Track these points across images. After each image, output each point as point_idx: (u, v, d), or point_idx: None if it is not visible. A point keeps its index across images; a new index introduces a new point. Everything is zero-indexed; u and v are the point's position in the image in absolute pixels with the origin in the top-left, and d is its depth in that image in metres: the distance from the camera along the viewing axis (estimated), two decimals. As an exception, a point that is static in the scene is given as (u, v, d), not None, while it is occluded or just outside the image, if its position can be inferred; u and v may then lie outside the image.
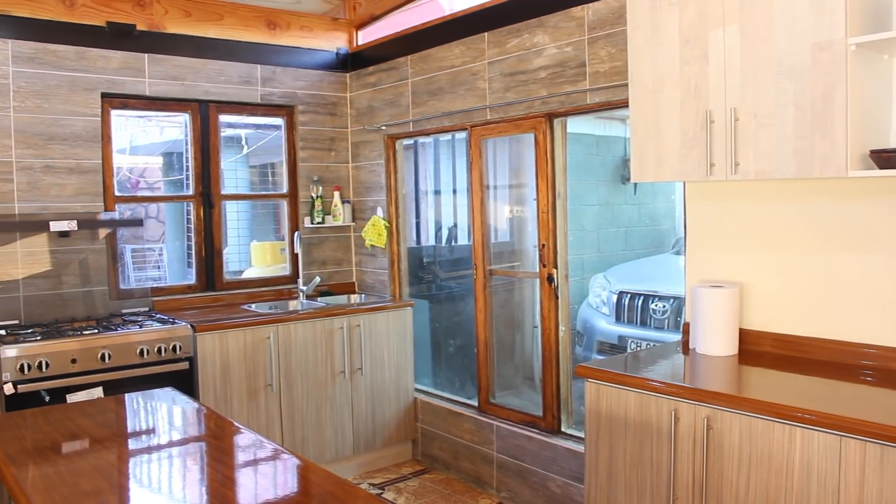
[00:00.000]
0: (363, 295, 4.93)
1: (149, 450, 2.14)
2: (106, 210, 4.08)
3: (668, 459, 2.41)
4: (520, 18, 3.77)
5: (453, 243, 5.53)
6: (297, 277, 4.78)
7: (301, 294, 4.71)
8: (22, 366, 3.25)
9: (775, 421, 2.12)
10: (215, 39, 4.42)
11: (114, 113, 4.18)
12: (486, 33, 3.97)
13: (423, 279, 5.32)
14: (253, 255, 5.56)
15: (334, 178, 4.98)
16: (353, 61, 4.96)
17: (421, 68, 4.43)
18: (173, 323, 3.77)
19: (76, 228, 3.88)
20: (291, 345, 4.06)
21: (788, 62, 2.31)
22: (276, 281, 4.83)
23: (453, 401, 4.46)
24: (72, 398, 3.34)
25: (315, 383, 4.15)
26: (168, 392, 2.74)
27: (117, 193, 4.20)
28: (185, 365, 3.70)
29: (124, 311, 4.10)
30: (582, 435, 3.49)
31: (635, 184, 6.09)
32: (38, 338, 3.40)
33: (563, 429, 3.79)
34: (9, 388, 3.21)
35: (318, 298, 4.75)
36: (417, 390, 4.63)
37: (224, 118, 4.65)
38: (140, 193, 6.68)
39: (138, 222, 4.44)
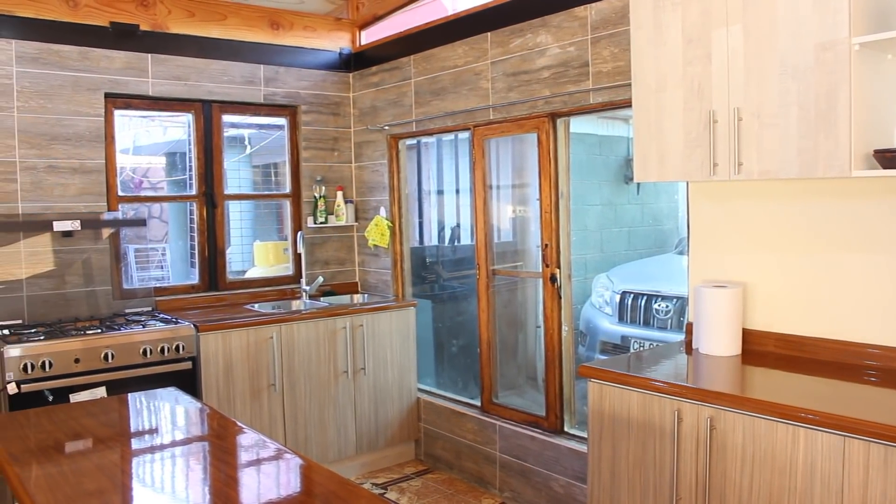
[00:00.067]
0: (366, 295, 4.93)
1: (152, 449, 2.14)
2: (109, 210, 4.09)
3: (671, 460, 2.41)
4: (523, 18, 3.77)
5: (456, 243, 5.54)
6: (300, 277, 4.78)
7: (304, 294, 4.71)
8: (25, 365, 3.26)
9: (779, 421, 2.12)
10: (219, 39, 4.43)
11: (117, 113, 4.18)
12: (488, 33, 3.97)
13: (426, 279, 5.32)
14: (256, 255, 5.56)
15: (337, 177, 4.98)
16: (356, 61, 4.96)
17: (424, 68, 4.43)
18: (176, 323, 3.78)
19: (79, 228, 3.89)
20: (294, 345, 4.06)
21: (792, 62, 2.30)
22: (279, 281, 4.83)
23: (456, 401, 4.46)
24: (75, 398, 3.34)
25: (318, 383, 4.15)
26: (171, 392, 2.74)
27: (121, 193, 4.20)
28: (188, 365, 3.70)
29: (127, 310, 4.10)
30: (585, 435, 3.49)
31: (638, 184, 6.08)
32: (42, 337, 3.41)
33: (565, 429, 3.78)
34: (12, 388, 3.22)
35: (321, 298, 4.75)
36: (420, 390, 4.63)
37: (227, 118, 4.66)
38: (143, 193, 6.69)
39: (141, 222, 4.45)
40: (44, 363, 3.30)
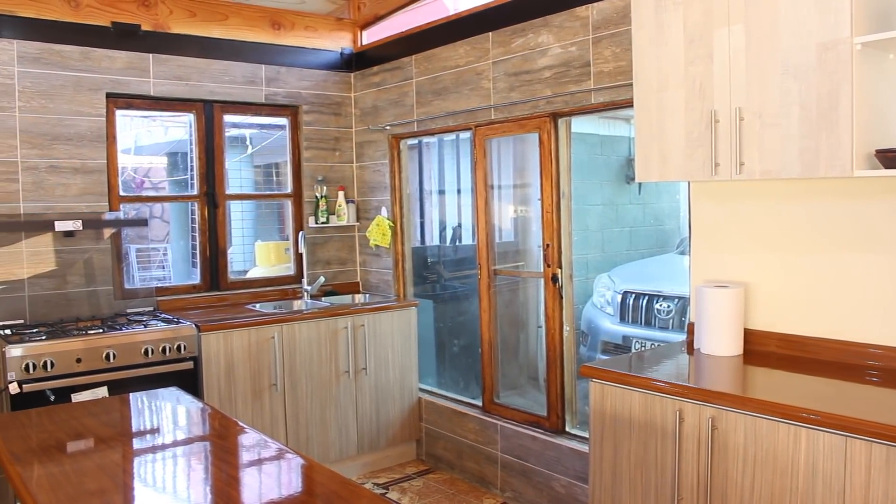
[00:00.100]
0: (367, 295, 4.93)
1: (153, 449, 2.14)
2: (111, 210, 4.09)
3: (673, 460, 2.41)
4: (524, 18, 3.77)
5: (457, 243, 5.53)
6: (302, 277, 4.78)
7: (305, 294, 4.71)
8: (27, 365, 3.26)
9: (780, 421, 2.11)
10: (220, 39, 4.43)
11: (118, 113, 4.19)
12: (490, 33, 3.97)
13: (428, 279, 5.32)
14: (257, 255, 5.57)
15: (339, 177, 4.98)
16: (357, 61, 4.96)
17: (425, 68, 4.43)
18: (178, 323, 3.78)
19: (81, 228, 3.89)
20: (296, 344, 4.06)
21: (794, 61, 2.30)
22: (281, 281, 4.83)
23: (457, 401, 4.46)
24: (77, 398, 3.34)
25: (319, 383, 4.16)
26: (172, 392, 2.75)
27: (122, 193, 4.21)
28: (189, 364, 3.70)
29: (129, 310, 4.11)
30: (586, 435, 3.49)
31: (640, 183, 6.08)
32: (43, 337, 3.41)
33: (567, 429, 3.78)
34: (14, 388, 3.22)
35: (323, 298, 4.75)
36: (422, 390, 4.63)
37: (228, 118, 4.66)
38: (145, 193, 6.69)
39: (143, 222, 4.46)
40: (45, 363, 3.30)
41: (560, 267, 3.75)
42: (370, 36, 4.96)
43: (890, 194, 2.45)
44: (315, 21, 4.83)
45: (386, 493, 4.10)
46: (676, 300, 4.67)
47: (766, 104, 2.37)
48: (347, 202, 4.93)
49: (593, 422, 2.67)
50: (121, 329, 3.60)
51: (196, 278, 4.56)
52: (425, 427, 4.55)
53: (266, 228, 6.51)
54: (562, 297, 3.76)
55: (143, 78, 4.17)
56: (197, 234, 4.58)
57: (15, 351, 3.25)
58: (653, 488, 2.49)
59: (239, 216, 6.45)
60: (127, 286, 4.18)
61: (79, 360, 3.39)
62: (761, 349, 2.80)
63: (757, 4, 2.38)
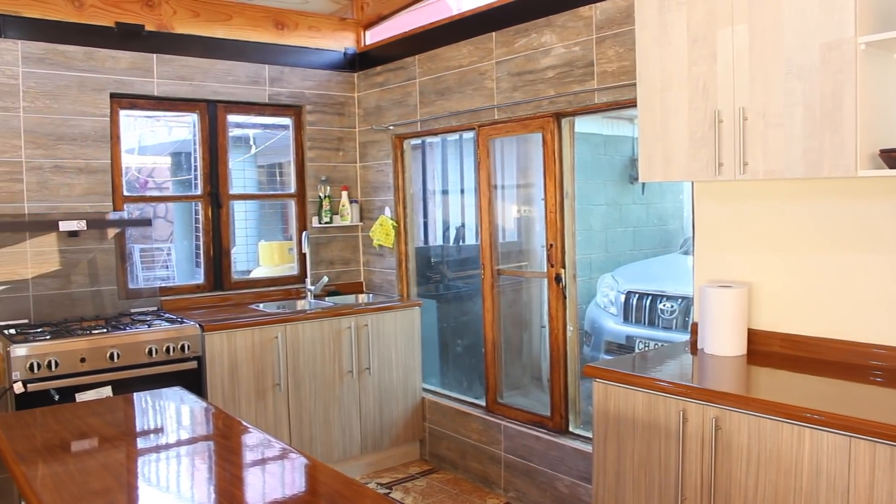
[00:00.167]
0: (371, 295, 4.93)
1: (157, 449, 2.14)
2: (115, 210, 4.10)
3: (677, 460, 2.40)
4: (527, 18, 3.77)
5: (461, 243, 5.53)
6: (305, 277, 4.79)
7: (309, 294, 4.72)
8: (31, 365, 3.27)
9: (784, 421, 2.11)
10: (223, 39, 4.43)
11: (122, 113, 4.20)
12: (493, 33, 3.97)
13: (431, 279, 5.32)
14: (261, 255, 5.58)
15: (342, 177, 4.98)
16: (360, 61, 4.97)
17: (429, 68, 4.43)
18: (182, 322, 3.79)
19: (85, 228, 3.90)
20: (299, 344, 4.07)
21: (797, 61, 2.30)
22: (284, 280, 4.84)
23: (461, 400, 4.46)
24: (81, 397, 3.35)
25: (323, 383, 4.16)
26: (176, 391, 2.75)
27: (126, 193, 4.21)
28: (193, 364, 3.71)
29: (133, 310, 4.11)
30: (590, 435, 3.48)
31: (643, 183, 6.07)
32: (48, 337, 3.42)
33: (570, 429, 3.78)
34: (18, 387, 3.23)
35: (326, 298, 4.76)
36: (425, 390, 4.63)
37: (232, 118, 4.67)
38: (148, 193, 6.70)
39: (147, 222, 4.47)
40: (50, 363, 3.31)
41: (563, 267, 3.75)
42: (373, 36, 4.97)
43: (894, 194, 2.44)
44: (318, 21, 4.83)
45: (389, 492, 4.10)
46: (680, 300, 4.67)
47: (770, 104, 2.37)
48: (351, 202, 4.94)
49: (597, 422, 2.67)
50: (125, 329, 3.61)
51: (200, 278, 4.57)
52: (429, 427, 4.55)
53: (269, 228, 6.52)
54: (565, 297, 3.76)
55: (147, 78, 4.18)
56: (200, 234, 4.58)
57: (19, 350, 3.26)
58: (656, 488, 2.48)
59: (242, 216, 6.46)
60: (131, 286, 4.18)
61: (83, 360, 3.40)
62: (765, 349, 2.80)
63: (760, 4, 2.38)
